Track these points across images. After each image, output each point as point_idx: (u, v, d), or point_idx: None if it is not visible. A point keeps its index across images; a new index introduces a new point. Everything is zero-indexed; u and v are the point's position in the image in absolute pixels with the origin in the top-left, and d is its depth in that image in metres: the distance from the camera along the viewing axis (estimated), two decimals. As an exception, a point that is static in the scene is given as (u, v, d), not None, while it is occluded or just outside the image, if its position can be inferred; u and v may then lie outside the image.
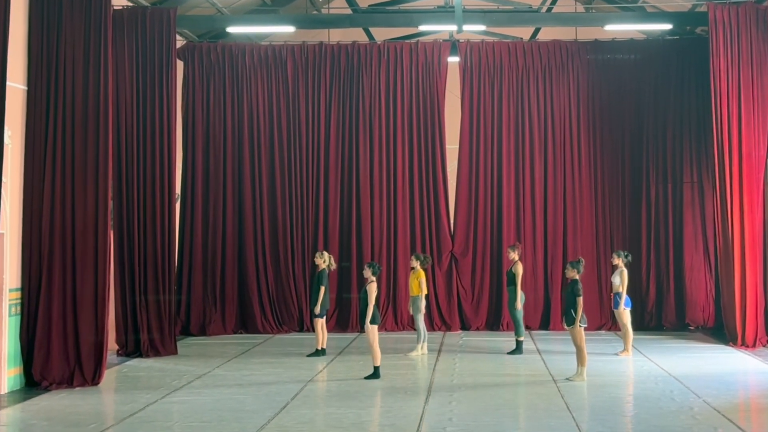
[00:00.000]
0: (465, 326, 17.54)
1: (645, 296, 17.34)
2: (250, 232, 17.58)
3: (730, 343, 15.22)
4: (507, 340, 15.65)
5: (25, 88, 12.39)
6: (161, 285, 14.61)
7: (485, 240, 17.65)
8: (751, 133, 15.20)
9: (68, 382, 12.13)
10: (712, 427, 9.61)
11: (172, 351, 14.75)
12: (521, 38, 18.32)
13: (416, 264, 14.62)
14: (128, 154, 14.71)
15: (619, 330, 14.96)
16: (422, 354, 14.38)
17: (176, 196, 15.93)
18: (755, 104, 15.25)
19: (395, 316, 17.49)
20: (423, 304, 14.51)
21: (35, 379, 12.05)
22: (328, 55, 17.77)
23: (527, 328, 17.20)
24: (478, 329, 17.43)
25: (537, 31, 18.47)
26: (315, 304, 14.33)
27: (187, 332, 17.12)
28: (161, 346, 14.63)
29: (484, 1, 17.33)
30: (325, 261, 14.41)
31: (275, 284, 17.59)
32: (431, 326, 16.76)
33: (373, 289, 12.38)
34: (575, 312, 12.10)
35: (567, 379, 12.20)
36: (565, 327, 12.44)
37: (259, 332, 17.26)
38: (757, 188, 15.24)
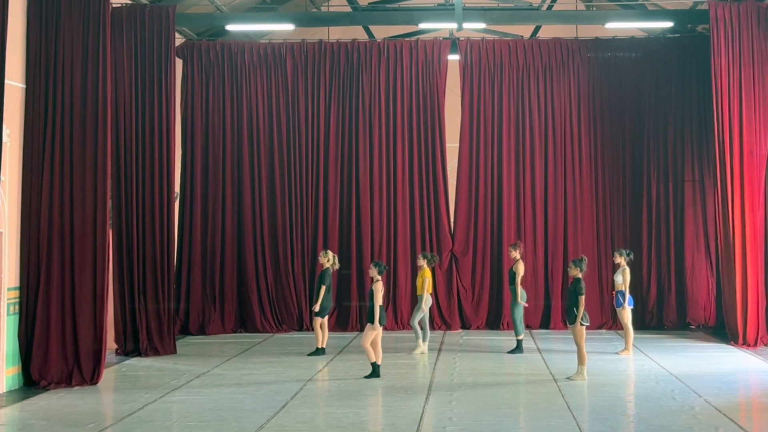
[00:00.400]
0: (465, 325, 17.51)
1: (646, 295, 17.31)
2: (249, 230, 17.54)
3: (732, 342, 15.19)
4: (507, 339, 15.62)
5: (24, 86, 12.35)
6: (160, 284, 14.58)
7: (485, 239, 17.62)
8: (753, 132, 15.17)
9: (67, 381, 12.09)
10: (713, 426, 9.58)
11: (171, 350, 14.71)
12: (521, 36, 18.27)
13: (423, 263, 14.58)
14: (127, 153, 14.67)
15: (621, 329, 14.91)
16: (421, 353, 14.33)
17: (175, 194, 15.91)
18: (756, 102, 15.22)
19: (395, 315, 17.45)
20: (428, 303, 14.45)
21: (34, 378, 12.01)
22: (328, 53, 17.73)
23: (527, 327, 17.18)
24: (478, 328, 17.40)
25: (537, 29, 18.42)
26: (316, 303, 14.28)
27: (186, 331, 17.08)
28: (160, 346, 14.59)
29: (484, -1, 17.30)
30: (329, 260, 14.38)
31: (275, 283, 17.55)
32: (432, 325, 16.71)
33: (379, 289, 12.33)
34: (577, 310, 12.07)
35: (568, 378, 12.16)
36: (567, 325, 12.40)
37: (258, 331, 17.22)
38: (759, 187, 15.21)
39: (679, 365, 13.27)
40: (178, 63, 16.85)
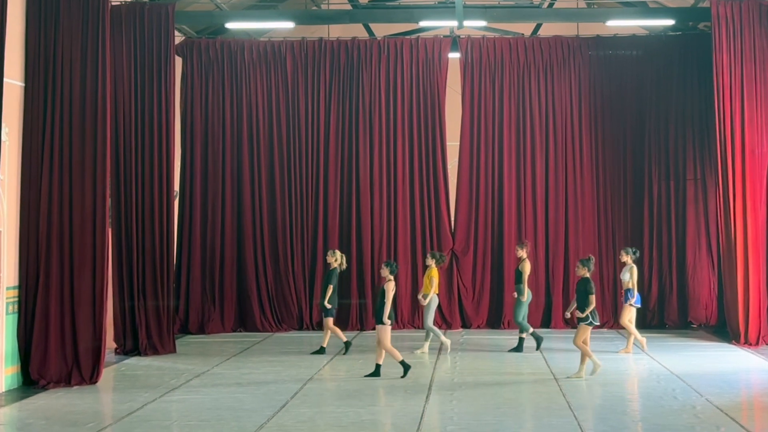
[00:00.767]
0: (466, 324, 17.47)
1: (647, 294, 17.25)
2: (249, 229, 17.50)
3: (733, 342, 15.15)
4: (508, 338, 15.60)
5: (23, 84, 12.30)
6: (160, 283, 14.54)
7: (486, 238, 17.57)
8: (755, 130, 15.13)
9: (66, 380, 12.05)
10: (714, 425, 9.54)
11: (171, 349, 14.68)
12: (522, 34, 18.22)
13: (431, 262, 14.55)
14: (126, 151, 14.64)
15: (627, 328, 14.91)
16: (422, 352, 14.30)
17: (175, 193, 15.86)
18: (758, 101, 15.18)
19: (395, 314, 17.37)
20: (434, 303, 14.40)
21: (33, 377, 11.96)
22: (328, 51, 17.68)
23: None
24: (479, 327, 17.36)
25: (538, 26, 18.37)
26: (323, 299, 14.25)
27: (185, 330, 17.04)
28: (159, 345, 14.55)
29: (484, -3, 17.25)
30: (336, 260, 14.36)
31: (274, 282, 17.50)
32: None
33: (390, 288, 12.28)
34: (587, 309, 12.03)
35: (567, 377, 12.12)
36: (578, 324, 12.37)
37: (258, 330, 17.18)
38: (760, 185, 15.17)
39: (681, 364, 13.23)
40: (178, 61, 16.80)
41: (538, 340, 14.45)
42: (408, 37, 18.15)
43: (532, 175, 17.58)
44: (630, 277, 14.15)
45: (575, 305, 12.61)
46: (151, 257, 14.51)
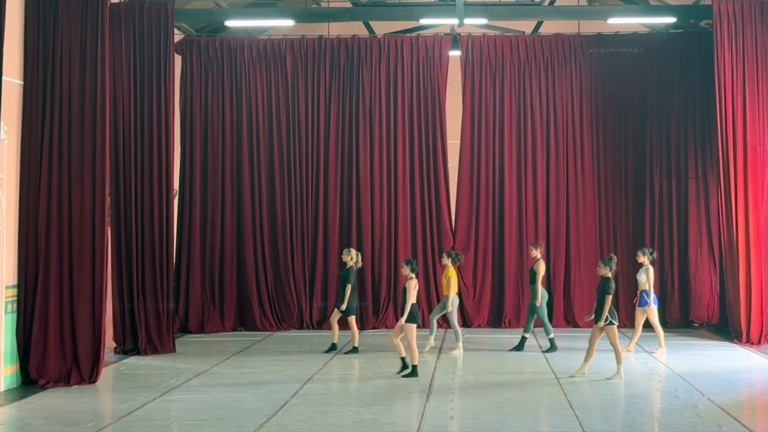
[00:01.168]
0: (466, 323, 17.41)
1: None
2: (248, 228, 17.45)
3: (735, 340, 15.11)
4: (509, 337, 15.57)
5: (21, 82, 12.26)
6: (159, 282, 14.50)
7: (487, 236, 17.53)
8: (756, 128, 15.08)
9: (65, 380, 12.02)
10: (716, 425, 9.51)
11: (170, 349, 14.63)
12: (523, 32, 18.17)
13: (448, 261, 14.50)
14: (125, 150, 14.60)
15: (631, 327, 14.87)
16: (431, 348, 14.26)
17: (174, 192, 15.82)
18: (760, 98, 15.14)
19: (395, 313, 17.35)
20: (455, 302, 14.36)
21: (32, 377, 11.93)
22: (328, 49, 17.63)
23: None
24: (479, 326, 17.31)
25: (539, 24, 18.31)
26: (342, 302, 14.22)
27: (185, 330, 17.00)
28: (159, 344, 14.51)
29: (485, -5, 17.20)
30: (352, 258, 14.34)
31: (274, 281, 17.46)
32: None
33: (412, 286, 12.23)
34: (603, 310, 11.97)
35: (571, 375, 12.05)
36: (596, 325, 12.30)
37: (258, 329, 17.13)
38: (762, 183, 15.12)
39: (683, 363, 13.20)
40: (177, 59, 16.77)
41: (552, 345, 14.34)
42: (408, 35, 18.10)
43: (533, 173, 17.54)
44: (647, 278, 14.10)
45: (596, 306, 12.47)
46: (151, 256, 14.47)
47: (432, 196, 17.56)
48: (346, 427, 9.56)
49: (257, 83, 17.61)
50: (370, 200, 17.51)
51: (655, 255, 14.64)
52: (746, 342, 14.85)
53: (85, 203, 12.30)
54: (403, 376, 12.24)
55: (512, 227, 17.43)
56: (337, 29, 18.29)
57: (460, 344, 14.35)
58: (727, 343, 15.17)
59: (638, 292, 14.45)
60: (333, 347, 14.42)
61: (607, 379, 12.04)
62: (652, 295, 14.16)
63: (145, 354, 14.30)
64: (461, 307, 17.45)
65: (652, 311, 14.18)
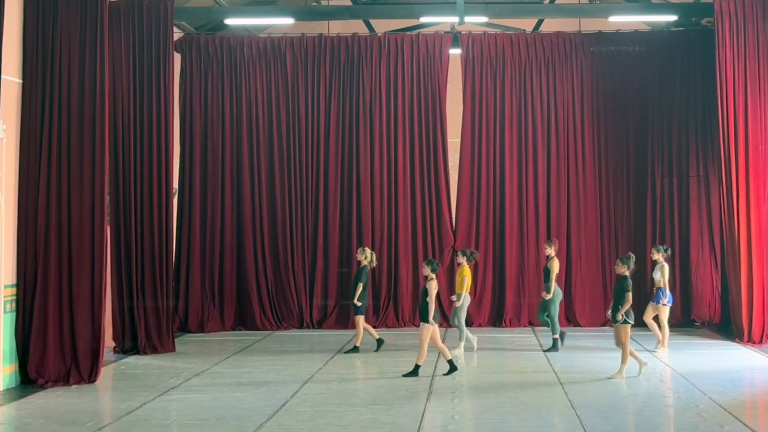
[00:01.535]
0: (467, 322, 17.23)
1: (650, 292, 17.11)
2: (248, 227, 17.41)
3: (737, 340, 15.07)
4: (509, 336, 15.51)
5: (20, 81, 12.22)
6: (159, 281, 14.47)
7: (488, 235, 17.49)
8: (758, 126, 15.04)
9: (64, 379, 11.98)
10: (718, 424, 9.47)
11: (170, 348, 14.60)
12: (524, 30, 18.12)
13: (462, 260, 14.43)
14: (125, 148, 14.56)
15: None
16: (459, 352, 14.22)
17: (173, 190, 15.78)
18: (761, 97, 15.09)
19: (396, 312, 17.33)
20: (467, 302, 14.31)
21: (31, 376, 11.89)
22: (328, 47, 17.58)
23: (530, 324, 17.08)
24: (480, 326, 17.26)
25: (540, 22, 18.27)
26: (353, 299, 14.20)
27: (184, 329, 16.96)
28: (159, 344, 14.47)
29: (485, -7, 17.15)
30: (366, 257, 14.30)
31: (274, 280, 17.42)
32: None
33: (433, 287, 12.13)
34: (621, 308, 11.90)
35: (609, 377, 11.99)
36: (613, 324, 12.23)
37: (258, 329, 17.08)
38: (764, 182, 15.09)
39: (684, 363, 13.16)
40: (177, 57, 16.74)
41: (554, 345, 14.27)
42: (408, 33, 18.05)
43: (534, 171, 17.49)
44: (661, 275, 14.04)
45: (613, 303, 12.39)
46: (150, 255, 14.44)
47: (432, 194, 17.52)
48: (346, 427, 9.52)
49: (257, 82, 17.57)
50: (371, 199, 17.47)
51: (669, 252, 14.54)
52: (748, 341, 14.82)
53: (84, 202, 12.26)
54: (404, 375, 12.20)
55: (513, 226, 17.39)
56: (337, 27, 18.25)
57: (462, 344, 14.30)
58: (728, 342, 15.13)
59: (654, 289, 14.40)
60: (380, 343, 14.30)
61: (608, 378, 12.01)
62: (668, 294, 14.10)
63: (145, 353, 14.27)
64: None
65: (664, 309, 14.12)
